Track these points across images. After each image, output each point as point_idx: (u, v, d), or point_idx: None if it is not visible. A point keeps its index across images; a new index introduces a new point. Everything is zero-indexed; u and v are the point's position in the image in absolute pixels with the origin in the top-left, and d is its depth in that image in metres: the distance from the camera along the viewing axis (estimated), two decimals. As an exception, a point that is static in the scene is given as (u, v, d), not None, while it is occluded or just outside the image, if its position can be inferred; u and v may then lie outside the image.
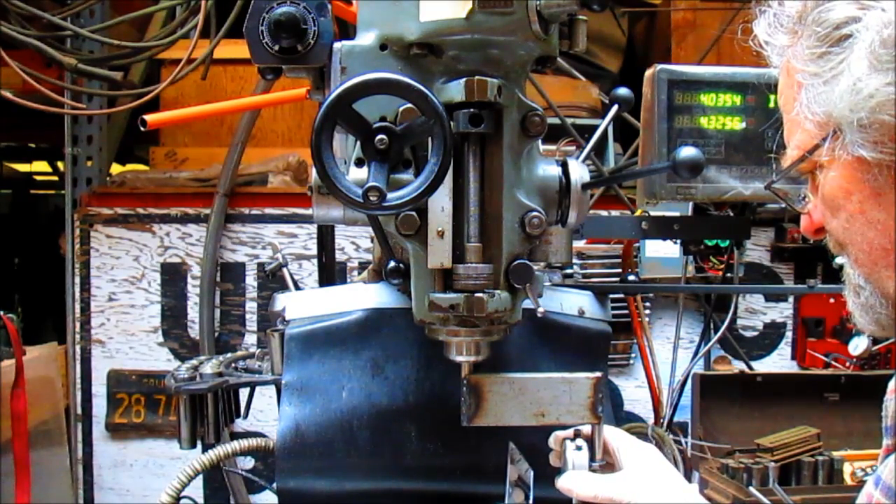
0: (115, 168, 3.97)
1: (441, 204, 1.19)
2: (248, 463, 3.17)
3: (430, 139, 1.12)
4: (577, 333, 1.60)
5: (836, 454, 2.58)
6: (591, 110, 3.33)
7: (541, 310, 1.26)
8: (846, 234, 1.04)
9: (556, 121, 2.28)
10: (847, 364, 3.09)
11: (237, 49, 3.15)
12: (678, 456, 2.26)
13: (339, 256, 3.07)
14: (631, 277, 2.18)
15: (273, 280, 2.18)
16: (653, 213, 1.85)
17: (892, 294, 1.02)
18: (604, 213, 2.77)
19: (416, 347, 1.51)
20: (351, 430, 1.49)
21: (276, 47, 1.27)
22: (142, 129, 1.41)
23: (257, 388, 1.66)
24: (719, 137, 1.72)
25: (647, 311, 3.16)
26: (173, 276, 3.30)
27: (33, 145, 6.41)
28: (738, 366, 3.20)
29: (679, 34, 3.68)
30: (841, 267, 1.10)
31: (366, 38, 1.25)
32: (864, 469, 2.52)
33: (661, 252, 2.97)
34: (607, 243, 3.07)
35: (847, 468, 2.55)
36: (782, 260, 3.32)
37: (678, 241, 1.97)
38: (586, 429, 1.32)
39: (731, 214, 1.87)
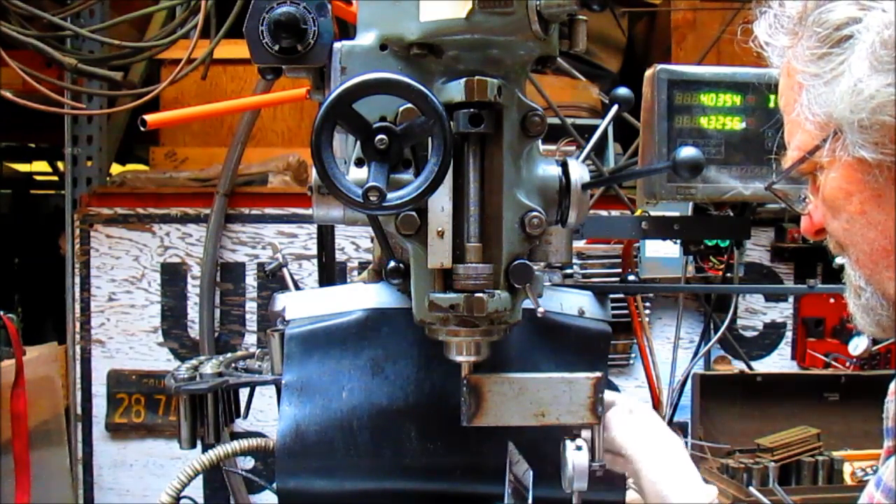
0: (116, 168, 3.97)
1: (441, 204, 1.19)
2: (248, 463, 3.17)
3: (430, 139, 1.12)
4: (577, 333, 1.60)
5: (835, 454, 2.58)
6: (591, 110, 3.33)
7: (541, 310, 1.25)
8: (847, 235, 1.04)
9: (556, 121, 2.28)
10: (847, 364, 3.09)
11: (237, 49, 3.14)
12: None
13: (339, 256, 3.07)
14: (631, 277, 2.17)
15: (273, 280, 2.18)
16: (653, 213, 1.85)
17: (893, 295, 1.02)
18: (604, 213, 2.77)
19: (417, 347, 1.50)
20: (351, 430, 1.49)
21: (276, 47, 1.27)
22: (142, 129, 1.41)
23: (257, 388, 1.66)
24: (719, 137, 1.71)
25: (647, 311, 3.16)
26: (173, 276, 3.31)
27: (33, 145, 6.41)
28: (738, 366, 3.20)
29: (679, 34, 3.68)
30: (841, 267, 1.10)
31: (366, 38, 1.25)
32: (863, 469, 2.52)
33: (661, 252, 2.97)
34: (607, 243, 3.08)
35: (847, 468, 2.55)
36: (782, 260, 3.32)
37: (678, 241, 1.96)
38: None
39: (731, 214, 1.86)
